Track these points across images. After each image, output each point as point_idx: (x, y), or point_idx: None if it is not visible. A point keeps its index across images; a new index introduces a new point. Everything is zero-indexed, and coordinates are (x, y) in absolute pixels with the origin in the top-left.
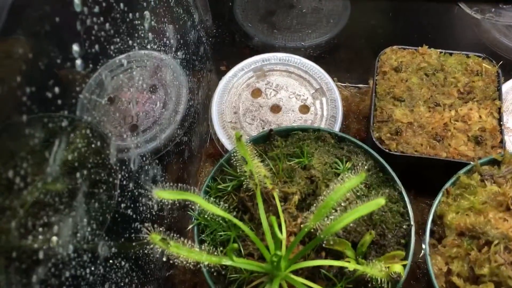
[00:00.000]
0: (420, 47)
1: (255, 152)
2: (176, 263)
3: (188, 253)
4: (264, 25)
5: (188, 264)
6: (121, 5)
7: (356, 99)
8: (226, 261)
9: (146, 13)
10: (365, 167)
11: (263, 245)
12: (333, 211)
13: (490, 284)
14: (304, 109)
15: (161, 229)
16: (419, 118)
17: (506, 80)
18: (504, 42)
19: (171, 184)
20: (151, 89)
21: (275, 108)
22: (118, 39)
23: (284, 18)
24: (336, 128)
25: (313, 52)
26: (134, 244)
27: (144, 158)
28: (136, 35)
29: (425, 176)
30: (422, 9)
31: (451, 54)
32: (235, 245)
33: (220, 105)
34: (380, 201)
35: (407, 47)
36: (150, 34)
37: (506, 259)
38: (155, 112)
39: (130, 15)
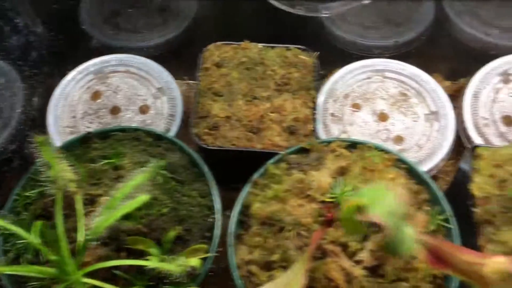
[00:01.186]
0: (242, 42)
1: (67, 156)
2: None
3: None
4: (107, 26)
5: None
6: None
7: None
8: (9, 270)
9: None
10: (180, 163)
11: (58, 251)
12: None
13: (279, 270)
14: (145, 109)
15: None
16: (237, 112)
17: (332, 70)
18: (339, 34)
19: None
20: None
21: (115, 110)
22: None
23: (128, 18)
24: (174, 127)
25: (156, 51)
26: None
27: None
28: None
29: (244, 169)
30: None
31: (273, 47)
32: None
33: (57, 110)
34: (143, 198)
35: (231, 42)
36: None
37: (296, 245)
38: None
39: None
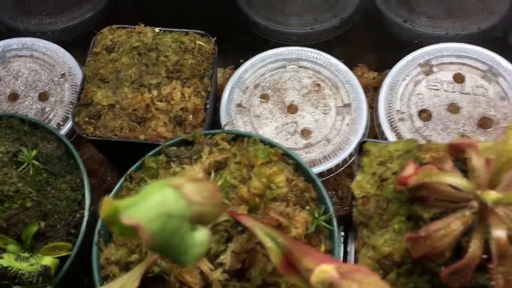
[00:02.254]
0: (137, 26)
1: None
2: None
3: None
4: (15, 8)
5: None
6: None
7: None
8: None
9: None
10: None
11: None
12: None
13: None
14: (44, 96)
15: None
16: (121, 100)
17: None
18: (258, 20)
19: None
20: None
21: (13, 96)
22: None
23: (36, 1)
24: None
25: (64, 36)
26: None
27: None
28: None
29: (128, 161)
30: None
31: (170, 32)
32: None
33: None
34: None
35: (126, 26)
36: None
37: None
38: None
39: None
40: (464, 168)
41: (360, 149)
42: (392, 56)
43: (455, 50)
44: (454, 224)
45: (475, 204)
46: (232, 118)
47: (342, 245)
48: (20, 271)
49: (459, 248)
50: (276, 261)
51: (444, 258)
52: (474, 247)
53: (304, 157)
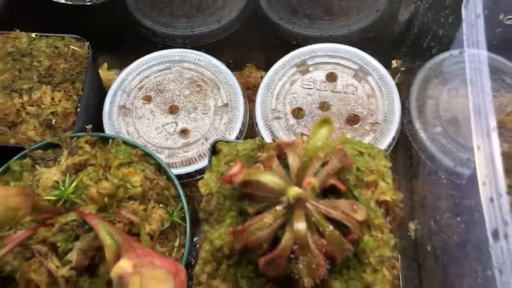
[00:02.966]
0: (13, 31)
1: None
2: None
3: None
4: None
5: None
6: None
7: None
8: None
9: None
10: None
11: None
12: None
13: None
14: None
15: None
16: None
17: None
18: (145, 23)
19: None
20: None
21: None
22: None
23: None
24: None
25: None
26: None
27: None
28: None
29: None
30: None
31: (47, 37)
32: None
33: None
34: None
35: (3, 32)
36: None
37: None
38: None
39: None
40: None
41: (214, 148)
42: (278, 56)
43: (329, 50)
44: (266, 219)
45: (285, 199)
46: (114, 120)
47: (189, 240)
48: None
49: (277, 240)
50: (109, 257)
51: (262, 249)
52: (286, 238)
53: (182, 156)
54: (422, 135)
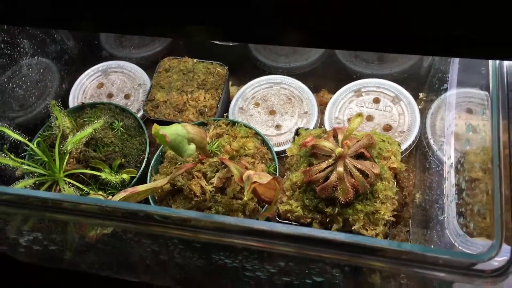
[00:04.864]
0: (184, 57)
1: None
2: None
3: None
4: (114, 41)
5: None
6: None
7: None
8: (21, 165)
9: None
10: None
11: (50, 159)
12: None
13: (167, 178)
14: (127, 96)
15: None
16: (171, 99)
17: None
18: (259, 58)
19: None
20: None
21: (109, 95)
22: None
23: (129, 38)
24: None
25: (141, 60)
26: None
27: None
28: None
29: None
30: None
31: (202, 62)
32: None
33: None
34: (96, 125)
35: (178, 57)
36: None
37: (182, 173)
38: None
39: None
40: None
41: (297, 132)
42: (342, 84)
43: (376, 83)
44: (323, 164)
45: (334, 155)
46: (235, 116)
47: None
48: (110, 180)
49: (328, 178)
50: (236, 178)
51: (319, 182)
52: (333, 176)
53: (275, 141)
54: (432, 142)
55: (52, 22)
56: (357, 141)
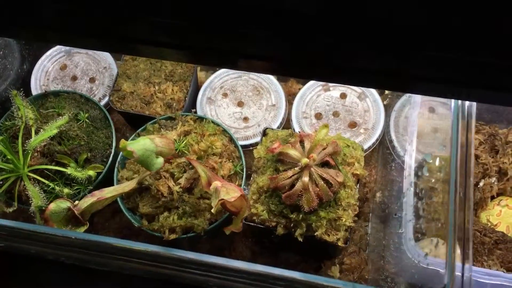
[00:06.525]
0: None
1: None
2: None
3: None
4: None
5: None
6: None
7: None
8: None
9: None
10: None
11: (14, 156)
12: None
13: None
14: (92, 80)
15: None
16: (138, 90)
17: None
18: None
19: None
20: None
21: (73, 78)
22: None
23: None
24: None
25: None
26: None
27: None
28: None
29: (139, 126)
30: None
31: None
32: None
33: None
34: (61, 121)
35: None
36: None
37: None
38: None
39: None
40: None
41: (264, 132)
42: None
43: None
44: (289, 173)
45: (300, 164)
46: (203, 106)
47: (244, 181)
48: (76, 176)
49: (293, 185)
50: (203, 182)
51: (285, 190)
52: (298, 185)
53: (243, 134)
54: (394, 140)
55: None
56: (323, 149)
